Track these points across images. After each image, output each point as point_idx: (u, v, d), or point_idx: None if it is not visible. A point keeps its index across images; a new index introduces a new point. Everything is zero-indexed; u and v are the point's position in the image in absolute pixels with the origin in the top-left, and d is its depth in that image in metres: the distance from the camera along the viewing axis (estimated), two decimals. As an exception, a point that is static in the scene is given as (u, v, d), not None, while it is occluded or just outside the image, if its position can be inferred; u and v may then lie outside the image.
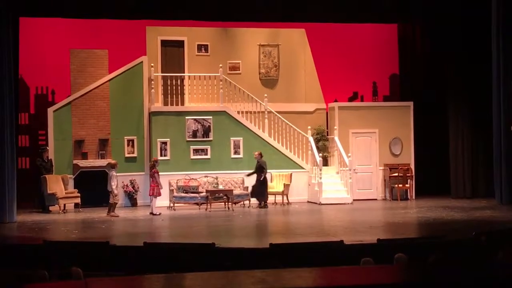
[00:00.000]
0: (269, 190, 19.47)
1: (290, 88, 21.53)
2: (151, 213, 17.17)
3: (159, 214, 17.17)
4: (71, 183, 19.01)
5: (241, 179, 19.35)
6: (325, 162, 20.43)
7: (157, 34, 20.69)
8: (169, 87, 20.03)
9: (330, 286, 3.84)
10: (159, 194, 17.58)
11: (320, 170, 19.39)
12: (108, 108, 19.63)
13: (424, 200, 19.60)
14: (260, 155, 18.94)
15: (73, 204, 18.49)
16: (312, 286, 3.91)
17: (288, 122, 20.47)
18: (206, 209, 17.99)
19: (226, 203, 18.23)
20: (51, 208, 18.18)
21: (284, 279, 4.01)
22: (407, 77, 22.60)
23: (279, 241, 11.62)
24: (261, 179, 18.74)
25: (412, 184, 20.46)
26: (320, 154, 19.91)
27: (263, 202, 18.66)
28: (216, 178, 19.18)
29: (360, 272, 4.49)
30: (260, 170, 18.77)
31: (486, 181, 20.16)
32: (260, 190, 18.78)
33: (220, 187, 18.56)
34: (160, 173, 17.73)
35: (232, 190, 18.62)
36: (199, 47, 20.97)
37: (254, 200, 18.94)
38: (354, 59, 22.23)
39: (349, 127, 20.63)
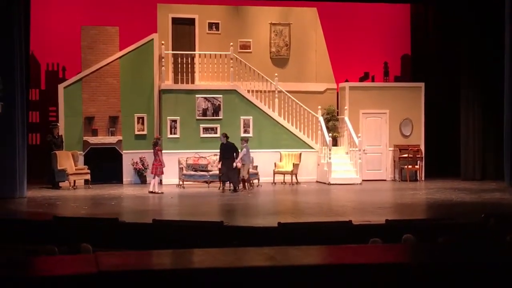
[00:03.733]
0: (279, 169, 19.50)
1: (301, 68, 21.46)
2: (151, 192, 16.98)
3: (162, 193, 17.10)
4: (81, 160, 19.09)
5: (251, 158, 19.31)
6: (335, 142, 20.41)
7: (168, 11, 20.63)
8: (179, 65, 19.99)
9: (338, 264, 3.86)
10: (162, 173, 17.55)
11: (330, 150, 19.36)
12: (119, 85, 19.63)
13: (434, 181, 19.56)
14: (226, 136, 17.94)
15: (83, 181, 18.58)
16: (320, 263, 3.92)
17: (298, 102, 20.42)
18: (219, 188, 17.93)
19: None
20: (61, 184, 18.28)
21: (292, 257, 4.03)
22: (419, 57, 22.47)
23: (288, 220, 11.65)
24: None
25: (421, 166, 20.42)
26: (330, 134, 19.87)
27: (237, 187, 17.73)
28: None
29: (368, 251, 4.50)
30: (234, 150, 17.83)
31: (496, 163, 20.10)
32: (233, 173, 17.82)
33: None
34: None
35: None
36: (210, 25, 20.89)
37: (262, 179, 18.95)
38: (366, 39, 22.09)
39: (359, 107, 20.57)
